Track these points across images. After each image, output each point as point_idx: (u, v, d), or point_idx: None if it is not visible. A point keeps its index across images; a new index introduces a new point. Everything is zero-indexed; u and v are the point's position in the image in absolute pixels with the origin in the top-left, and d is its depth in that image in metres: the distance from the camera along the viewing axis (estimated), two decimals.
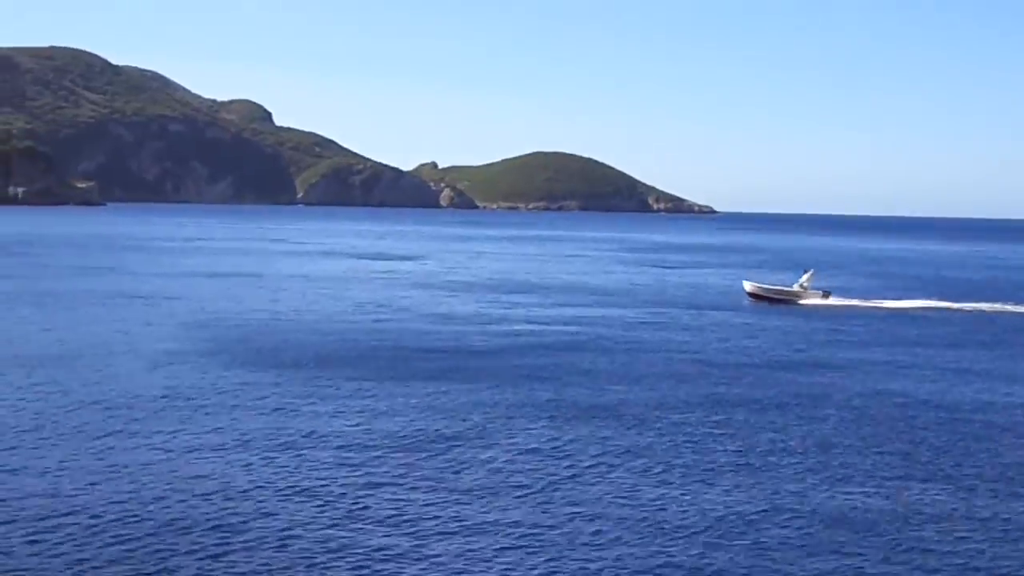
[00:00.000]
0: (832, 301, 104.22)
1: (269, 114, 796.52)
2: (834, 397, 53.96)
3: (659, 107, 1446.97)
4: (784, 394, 54.43)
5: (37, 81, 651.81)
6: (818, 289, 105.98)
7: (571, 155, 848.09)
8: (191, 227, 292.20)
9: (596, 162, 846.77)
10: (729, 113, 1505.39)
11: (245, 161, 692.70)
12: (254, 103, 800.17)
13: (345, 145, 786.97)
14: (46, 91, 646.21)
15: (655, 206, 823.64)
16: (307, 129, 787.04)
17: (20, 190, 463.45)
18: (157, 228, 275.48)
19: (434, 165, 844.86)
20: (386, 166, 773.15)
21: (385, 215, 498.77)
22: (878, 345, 75.66)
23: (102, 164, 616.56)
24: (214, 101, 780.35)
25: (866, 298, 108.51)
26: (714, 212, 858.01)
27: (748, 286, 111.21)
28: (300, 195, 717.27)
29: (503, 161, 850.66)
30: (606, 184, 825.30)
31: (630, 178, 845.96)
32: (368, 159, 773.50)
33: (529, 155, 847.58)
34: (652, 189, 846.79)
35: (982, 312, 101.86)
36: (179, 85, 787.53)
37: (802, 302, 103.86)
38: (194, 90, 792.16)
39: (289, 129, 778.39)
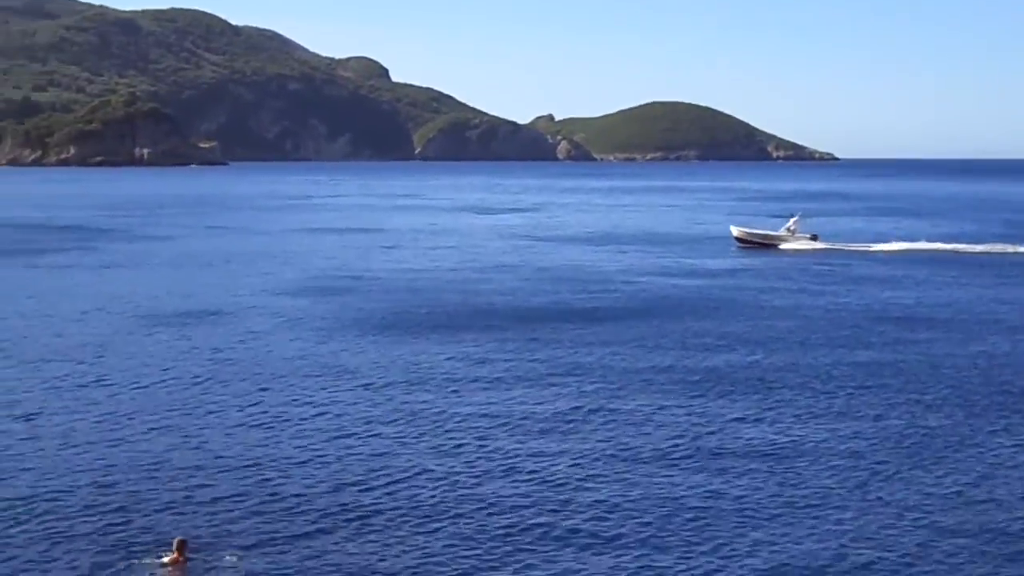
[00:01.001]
0: (819, 245, 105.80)
1: (386, 71, 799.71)
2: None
3: (779, 53, 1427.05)
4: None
5: (159, 44, 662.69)
6: (805, 233, 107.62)
7: (689, 104, 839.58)
8: (312, 184, 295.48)
9: (714, 111, 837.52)
10: (851, 57, 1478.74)
11: (363, 118, 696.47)
12: (371, 60, 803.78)
13: (462, 100, 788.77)
14: (168, 54, 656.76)
15: (774, 154, 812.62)
16: (424, 85, 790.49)
17: (146, 151, 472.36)
18: (280, 186, 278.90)
19: (551, 118, 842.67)
20: (503, 120, 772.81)
21: (501, 168, 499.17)
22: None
23: (223, 124, 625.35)
24: (331, 59, 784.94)
25: (855, 242, 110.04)
26: (835, 159, 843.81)
27: (735, 231, 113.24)
28: (417, 150, 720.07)
29: (620, 112, 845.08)
30: (724, 133, 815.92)
31: (748, 126, 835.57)
32: (485, 113, 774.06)
33: (646, 105, 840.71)
34: (771, 137, 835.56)
35: (983, 254, 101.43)
36: (297, 44, 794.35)
37: (785, 246, 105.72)
38: (312, 49, 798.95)
39: (406, 85, 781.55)
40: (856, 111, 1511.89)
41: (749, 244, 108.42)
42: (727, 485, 31.29)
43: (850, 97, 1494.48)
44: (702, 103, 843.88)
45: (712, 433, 36.84)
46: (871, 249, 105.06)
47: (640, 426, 37.73)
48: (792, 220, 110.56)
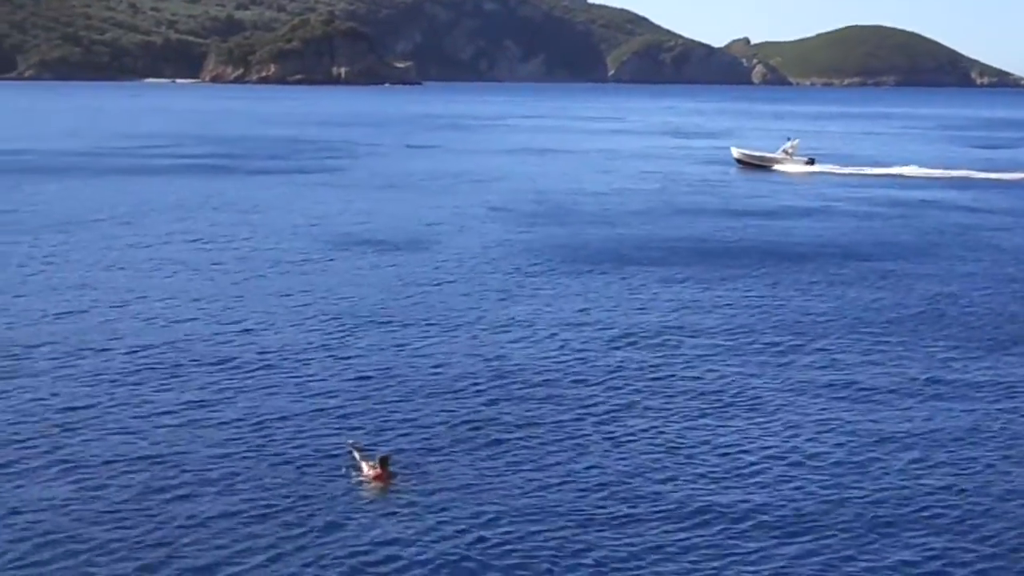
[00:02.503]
0: (816, 168, 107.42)
1: None
2: None
3: None
4: None
5: None
6: (803, 156, 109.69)
7: (889, 28, 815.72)
8: (507, 105, 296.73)
9: (915, 35, 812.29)
10: None
11: (557, 39, 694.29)
12: None
13: (656, 22, 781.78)
14: None
15: (977, 80, 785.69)
16: (619, 6, 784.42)
17: (343, 70, 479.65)
18: (475, 106, 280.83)
19: (746, 41, 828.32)
20: (697, 43, 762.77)
21: (695, 92, 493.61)
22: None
23: (418, 44, 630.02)
24: None
25: (849, 164, 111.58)
26: None
27: (735, 152, 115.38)
28: (611, 73, 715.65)
29: (817, 36, 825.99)
30: (925, 58, 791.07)
31: (951, 51, 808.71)
32: (679, 36, 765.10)
33: (845, 28, 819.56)
34: (975, 63, 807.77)
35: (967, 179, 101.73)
36: None
37: (781, 168, 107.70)
38: None
39: (601, 6, 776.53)
40: None
41: (747, 165, 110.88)
42: None
43: None
44: (903, 27, 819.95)
45: None
46: (864, 172, 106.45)
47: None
48: (790, 143, 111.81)
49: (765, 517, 24.26)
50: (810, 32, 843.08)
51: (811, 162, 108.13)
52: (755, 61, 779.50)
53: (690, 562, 22.04)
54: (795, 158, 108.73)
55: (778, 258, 56.58)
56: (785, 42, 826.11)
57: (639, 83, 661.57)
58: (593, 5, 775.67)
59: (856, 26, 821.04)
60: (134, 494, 24.59)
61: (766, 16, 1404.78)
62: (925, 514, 24.63)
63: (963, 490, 25.90)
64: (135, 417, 29.74)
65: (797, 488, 25.89)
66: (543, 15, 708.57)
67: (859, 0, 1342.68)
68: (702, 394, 32.81)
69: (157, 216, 68.78)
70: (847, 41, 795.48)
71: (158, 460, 26.62)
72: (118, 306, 42.76)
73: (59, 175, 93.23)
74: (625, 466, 26.93)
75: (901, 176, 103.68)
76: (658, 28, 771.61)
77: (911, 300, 46.50)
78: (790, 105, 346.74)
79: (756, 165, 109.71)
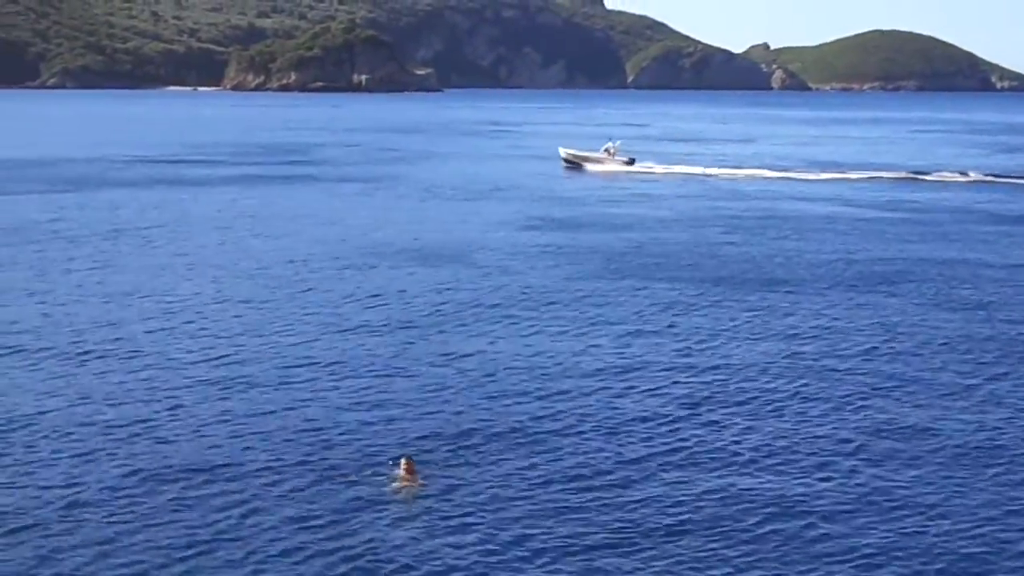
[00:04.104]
0: (634, 168, 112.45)
1: None
2: None
3: None
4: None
5: None
6: (623, 156, 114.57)
7: (909, 33, 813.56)
8: (522, 112, 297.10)
9: (935, 40, 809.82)
10: None
11: (576, 46, 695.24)
12: None
13: (676, 28, 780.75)
14: None
15: (998, 84, 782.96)
16: (638, 12, 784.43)
17: (364, 77, 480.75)
18: (495, 113, 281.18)
19: (766, 46, 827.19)
20: (717, 48, 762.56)
21: (715, 98, 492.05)
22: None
23: (439, 51, 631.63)
24: None
25: (669, 163, 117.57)
26: None
27: (562, 152, 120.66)
28: (630, 79, 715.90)
29: (837, 41, 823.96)
30: (945, 63, 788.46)
31: (971, 55, 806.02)
32: (699, 42, 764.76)
33: (864, 34, 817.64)
34: (995, 67, 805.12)
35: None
36: None
37: (602, 167, 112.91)
38: None
39: (620, 12, 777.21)
40: None
41: (572, 163, 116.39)
42: None
43: None
44: (922, 31, 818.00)
45: None
46: (673, 171, 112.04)
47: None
48: (611, 144, 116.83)
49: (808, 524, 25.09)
50: (829, 37, 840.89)
51: (631, 162, 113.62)
52: (774, 66, 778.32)
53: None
54: (616, 158, 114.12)
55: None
56: (805, 47, 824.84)
57: (658, 89, 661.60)
58: (613, 11, 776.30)
59: (875, 31, 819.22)
60: (175, 499, 25.27)
61: (786, 21, 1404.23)
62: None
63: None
64: (184, 425, 30.57)
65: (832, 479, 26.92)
66: (563, 22, 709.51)
67: (879, 5, 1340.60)
68: (751, 407, 33.77)
69: (202, 225, 69.56)
70: (866, 46, 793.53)
71: (206, 468, 27.24)
72: (163, 315, 43.73)
73: (99, 184, 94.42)
74: (663, 475, 27.47)
75: (706, 175, 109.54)
76: (677, 34, 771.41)
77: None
78: (810, 111, 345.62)
79: (579, 164, 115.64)
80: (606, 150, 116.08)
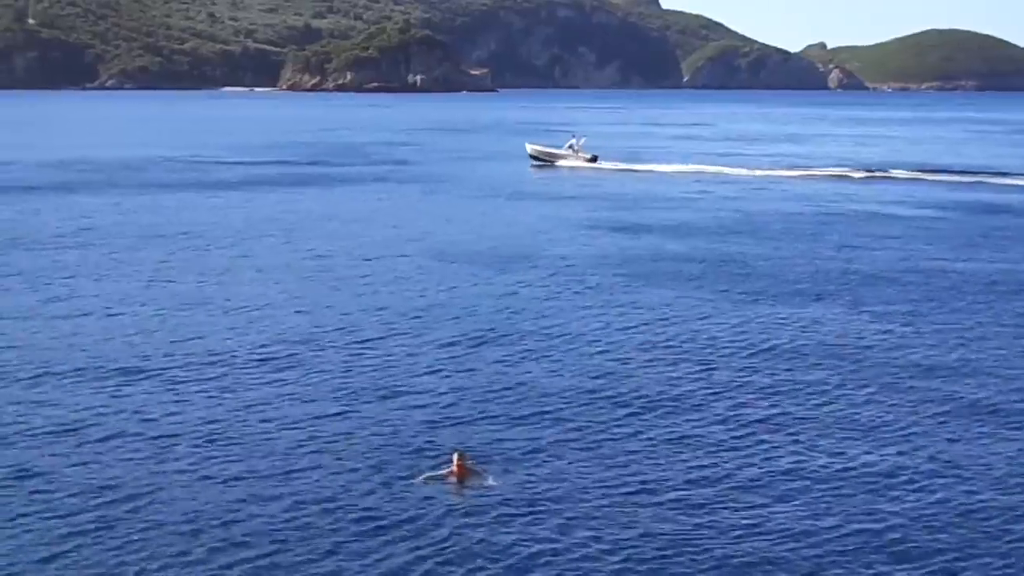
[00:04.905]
0: (597, 164, 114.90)
1: None
2: None
3: None
4: None
5: None
6: (587, 152, 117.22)
7: (968, 32, 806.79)
8: (581, 111, 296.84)
9: (994, 39, 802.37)
10: None
11: (632, 45, 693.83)
12: None
13: (732, 27, 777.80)
14: None
15: None
16: (694, 12, 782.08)
17: (419, 77, 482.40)
18: (547, 113, 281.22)
19: (822, 46, 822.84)
20: (773, 48, 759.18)
21: (771, 98, 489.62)
22: None
23: (493, 51, 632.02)
24: None
25: (632, 162, 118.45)
26: None
27: (528, 148, 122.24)
28: (685, 79, 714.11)
29: (894, 40, 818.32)
30: (1005, 63, 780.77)
31: None
32: (755, 41, 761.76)
33: (922, 33, 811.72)
34: None
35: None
36: None
37: (566, 163, 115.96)
38: None
39: (676, 12, 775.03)
40: None
41: (538, 160, 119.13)
42: None
43: None
44: (982, 30, 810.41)
45: None
46: (638, 168, 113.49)
47: None
48: (575, 140, 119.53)
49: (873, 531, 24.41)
50: (887, 36, 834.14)
51: (594, 159, 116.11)
52: (831, 66, 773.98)
53: None
54: (579, 155, 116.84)
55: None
56: (862, 47, 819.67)
57: (714, 89, 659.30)
58: (668, 11, 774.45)
59: (934, 30, 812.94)
60: (242, 499, 25.21)
61: (843, 21, 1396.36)
62: None
63: None
64: (248, 426, 30.37)
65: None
66: (618, 21, 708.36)
67: (937, 3, 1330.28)
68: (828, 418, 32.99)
69: (267, 227, 69.37)
70: (923, 45, 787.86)
71: (268, 473, 27.05)
72: (226, 316, 43.60)
73: (161, 186, 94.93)
74: (717, 481, 26.86)
75: (664, 173, 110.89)
76: (733, 33, 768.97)
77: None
78: (869, 111, 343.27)
79: (545, 160, 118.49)
80: (569, 146, 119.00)
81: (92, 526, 23.48)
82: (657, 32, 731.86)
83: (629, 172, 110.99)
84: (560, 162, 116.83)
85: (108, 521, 23.71)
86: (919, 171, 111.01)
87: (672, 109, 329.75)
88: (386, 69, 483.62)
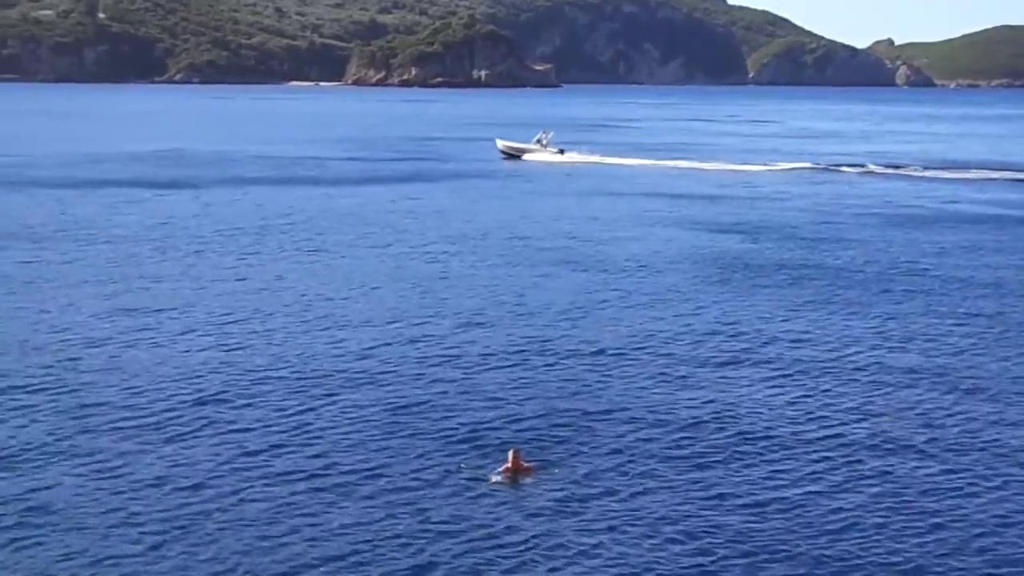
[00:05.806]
0: (565, 157, 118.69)
1: None
2: None
3: None
4: None
5: None
6: (555, 146, 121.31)
7: None
8: (647, 108, 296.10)
9: None
10: None
11: (696, 41, 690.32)
12: None
13: (798, 23, 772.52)
14: None
15: None
16: (760, 7, 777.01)
17: (483, 72, 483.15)
18: (613, 108, 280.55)
19: (890, 42, 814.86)
20: (840, 44, 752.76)
21: (839, 95, 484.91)
22: None
23: (557, 47, 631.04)
24: None
25: (603, 155, 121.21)
26: None
27: (499, 143, 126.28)
28: (751, 75, 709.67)
29: (963, 36, 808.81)
30: None
31: None
32: (821, 37, 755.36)
33: (992, 29, 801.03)
34: None
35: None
36: None
37: (533, 156, 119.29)
38: None
39: (741, 7, 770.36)
40: None
41: (508, 154, 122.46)
42: None
43: None
44: None
45: None
46: (604, 161, 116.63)
47: None
48: (544, 134, 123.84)
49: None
50: (955, 32, 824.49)
51: (561, 152, 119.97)
52: (899, 63, 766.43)
53: None
54: (548, 148, 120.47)
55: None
56: (930, 43, 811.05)
57: (780, 85, 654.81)
58: (734, 6, 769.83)
59: (1004, 26, 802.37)
60: (304, 493, 25.77)
61: (911, 16, 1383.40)
62: None
63: None
64: (299, 421, 30.97)
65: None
66: (683, 17, 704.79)
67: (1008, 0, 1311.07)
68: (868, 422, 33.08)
69: (322, 224, 70.12)
70: (993, 41, 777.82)
71: (321, 470, 27.47)
72: (300, 309, 44.48)
73: (237, 181, 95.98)
74: (787, 475, 27.25)
75: (630, 165, 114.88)
76: (799, 29, 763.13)
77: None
78: (939, 108, 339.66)
79: (514, 154, 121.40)
80: (538, 140, 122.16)
81: (183, 522, 24.14)
82: (722, 28, 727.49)
83: (591, 163, 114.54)
84: (527, 156, 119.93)
85: (192, 517, 24.37)
86: None
87: (762, 106, 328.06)
88: (450, 64, 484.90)
